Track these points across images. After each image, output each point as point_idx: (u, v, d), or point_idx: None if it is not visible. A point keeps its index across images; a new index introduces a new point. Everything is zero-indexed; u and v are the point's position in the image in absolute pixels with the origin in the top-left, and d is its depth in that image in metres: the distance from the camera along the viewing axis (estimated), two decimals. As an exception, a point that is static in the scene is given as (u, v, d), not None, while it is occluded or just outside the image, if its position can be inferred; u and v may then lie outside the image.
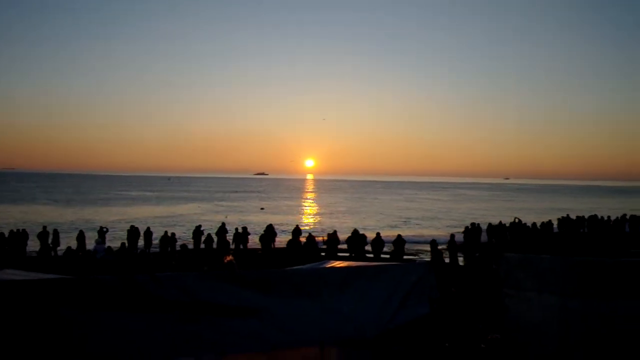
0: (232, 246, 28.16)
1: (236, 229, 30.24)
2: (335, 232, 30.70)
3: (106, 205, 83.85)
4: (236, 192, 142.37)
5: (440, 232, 49.54)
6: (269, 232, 30.02)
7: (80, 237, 27.87)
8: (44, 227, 28.09)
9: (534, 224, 36.50)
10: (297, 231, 30.52)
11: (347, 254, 27.17)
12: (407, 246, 28.60)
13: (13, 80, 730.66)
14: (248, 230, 30.24)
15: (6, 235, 26.38)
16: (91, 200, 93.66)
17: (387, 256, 27.22)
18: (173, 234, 28.45)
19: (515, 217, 37.20)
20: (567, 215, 39.62)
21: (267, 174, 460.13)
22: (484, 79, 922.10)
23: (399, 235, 27.96)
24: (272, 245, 29.82)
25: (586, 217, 40.01)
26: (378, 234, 28.34)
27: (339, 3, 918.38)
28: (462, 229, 33.50)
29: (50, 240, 27.07)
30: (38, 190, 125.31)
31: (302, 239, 28.99)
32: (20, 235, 26.66)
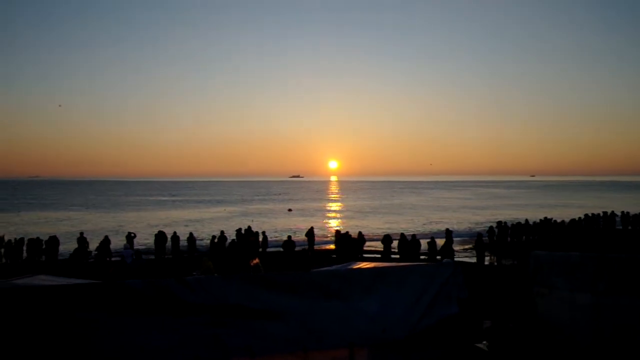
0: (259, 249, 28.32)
1: (261, 232, 30.45)
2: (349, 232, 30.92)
3: (134, 210, 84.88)
4: (263, 195, 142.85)
5: (468, 230, 49.03)
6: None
7: (105, 242, 28.15)
8: (81, 234, 28.61)
9: (563, 221, 36.00)
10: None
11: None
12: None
13: (32, 91, 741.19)
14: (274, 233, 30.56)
15: (26, 240, 27.08)
16: (120, 206, 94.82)
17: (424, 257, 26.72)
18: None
19: (544, 217, 36.75)
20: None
21: (302, 177, 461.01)
22: (509, 77, 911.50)
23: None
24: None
25: (612, 213, 39.44)
26: (414, 235, 27.80)
27: (364, 3, 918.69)
28: (488, 228, 33.16)
29: (81, 246, 27.49)
30: (63, 197, 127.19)
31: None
32: (51, 242, 27.16)
